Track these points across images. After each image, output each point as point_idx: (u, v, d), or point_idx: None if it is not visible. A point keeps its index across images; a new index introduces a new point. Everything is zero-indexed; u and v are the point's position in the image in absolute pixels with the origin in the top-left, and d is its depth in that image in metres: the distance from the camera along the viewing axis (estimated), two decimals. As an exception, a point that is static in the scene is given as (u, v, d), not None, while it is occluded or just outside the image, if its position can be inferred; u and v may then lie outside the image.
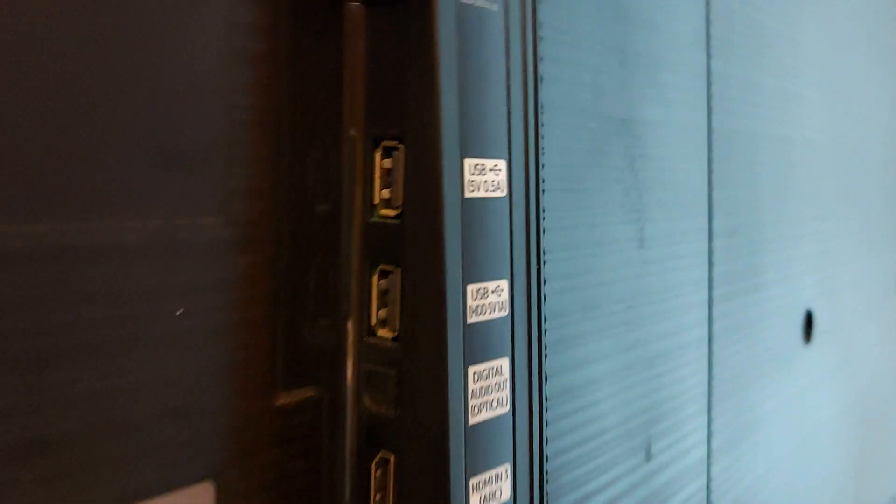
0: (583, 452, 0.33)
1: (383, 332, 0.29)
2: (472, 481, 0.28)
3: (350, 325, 0.29)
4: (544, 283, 0.31)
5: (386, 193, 0.28)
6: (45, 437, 0.21)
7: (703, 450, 0.43)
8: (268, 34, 0.25)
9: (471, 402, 0.28)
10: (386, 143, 0.28)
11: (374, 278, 0.29)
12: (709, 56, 0.42)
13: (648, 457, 0.38)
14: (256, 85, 0.25)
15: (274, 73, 0.25)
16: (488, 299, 0.29)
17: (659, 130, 0.38)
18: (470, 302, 0.28)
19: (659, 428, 0.38)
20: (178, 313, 0.23)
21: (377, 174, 0.28)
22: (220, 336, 0.25)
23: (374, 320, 0.29)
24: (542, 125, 0.31)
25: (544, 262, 0.31)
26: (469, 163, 0.28)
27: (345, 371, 0.29)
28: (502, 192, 0.29)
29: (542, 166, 0.31)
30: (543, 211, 0.31)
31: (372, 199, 0.28)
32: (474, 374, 0.28)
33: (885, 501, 0.82)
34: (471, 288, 0.28)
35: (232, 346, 0.25)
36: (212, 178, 0.24)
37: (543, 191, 0.31)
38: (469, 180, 0.28)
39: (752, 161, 0.49)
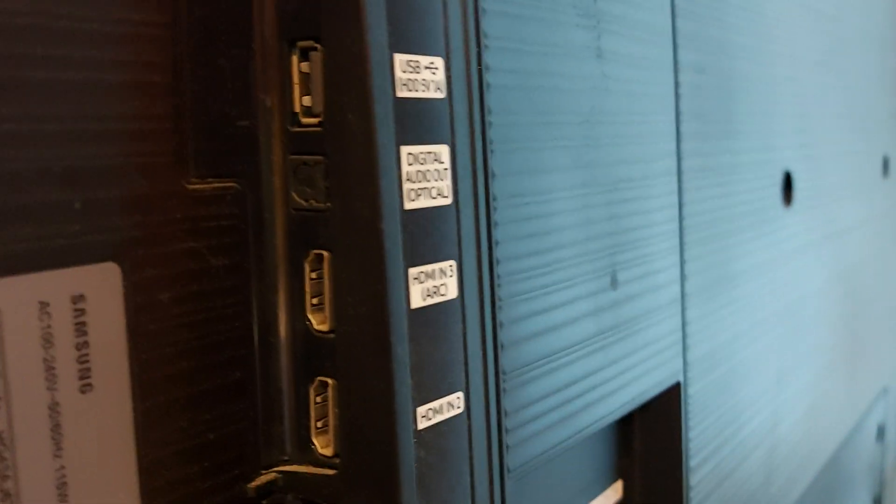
0: (537, 263, 0.31)
1: (308, 120, 0.26)
2: (412, 272, 0.26)
3: (273, 112, 0.27)
4: (486, 69, 0.29)
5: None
6: None
7: (676, 290, 0.40)
8: None
9: (406, 187, 0.26)
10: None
11: (294, 58, 0.26)
12: None
13: (615, 284, 0.35)
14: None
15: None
16: (420, 75, 0.26)
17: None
18: (399, 73, 0.26)
19: (625, 257, 0.36)
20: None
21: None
22: (109, 100, 0.22)
23: (297, 107, 0.27)
24: None
25: (486, 46, 0.29)
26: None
27: (268, 166, 0.27)
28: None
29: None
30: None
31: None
32: (409, 155, 0.26)
33: (876, 391, 0.80)
34: (399, 58, 0.26)
35: (127, 112, 0.23)
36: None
37: None
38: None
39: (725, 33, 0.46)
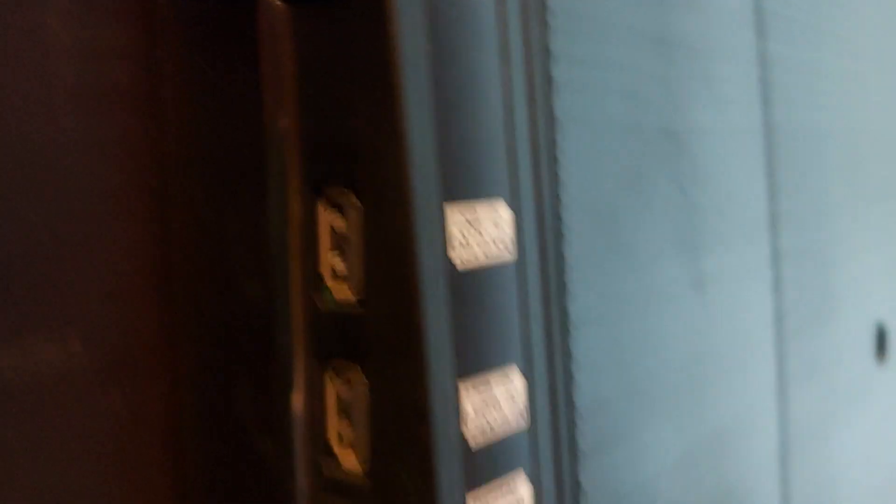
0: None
1: (349, 464, 0.20)
2: None
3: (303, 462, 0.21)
4: (572, 379, 0.23)
5: (339, 265, 0.20)
6: None
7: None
8: (132, 55, 0.17)
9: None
10: (332, 191, 0.19)
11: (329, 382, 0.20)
12: (759, 37, 0.33)
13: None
14: (119, 119, 0.16)
15: (154, 115, 0.17)
16: (493, 394, 0.20)
17: (711, 139, 0.29)
18: (469, 411, 0.20)
19: (730, 518, 0.30)
20: None
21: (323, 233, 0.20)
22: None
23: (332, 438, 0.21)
24: (559, 149, 0.22)
25: (573, 337, 0.23)
26: (456, 214, 0.19)
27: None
28: (509, 253, 0.20)
29: (562, 204, 0.22)
30: (568, 268, 0.22)
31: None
32: (481, 510, 0.20)
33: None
34: (467, 386, 0.20)
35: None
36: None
37: (566, 239, 0.22)
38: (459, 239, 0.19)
39: (818, 162, 0.40)
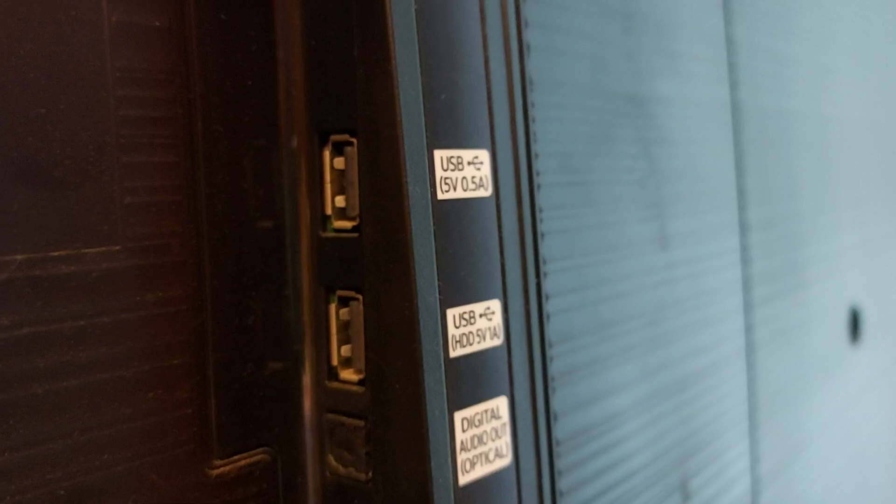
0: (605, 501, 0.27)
1: (347, 374, 0.23)
2: (468, 557, 0.23)
3: (305, 368, 0.23)
4: (546, 300, 0.25)
5: (340, 201, 0.23)
6: None
7: (747, 479, 0.36)
8: (167, 4, 0.20)
9: (460, 457, 0.23)
10: (335, 137, 0.22)
11: (332, 307, 0.23)
12: (727, 22, 0.36)
13: (686, 496, 0.32)
14: (153, 71, 0.19)
15: (179, 55, 0.20)
16: (476, 325, 0.23)
17: (676, 109, 0.32)
18: (452, 330, 0.22)
19: (696, 460, 0.32)
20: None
21: (328, 177, 0.23)
22: (121, 398, 0.19)
23: (335, 360, 0.23)
24: (533, 105, 0.25)
25: (545, 275, 0.25)
26: (441, 155, 0.22)
27: (302, 425, 0.23)
28: (486, 191, 0.23)
29: (536, 156, 0.25)
30: (540, 211, 0.25)
31: (323, 208, 0.23)
32: (463, 420, 0.23)
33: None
34: (452, 313, 0.22)
35: (142, 408, 0.20)
36: (97, 194, 0.18)
37: (539, 186, 0.25)
38: (442, 178, 0.22)
39: (785, 142, 0.43)
